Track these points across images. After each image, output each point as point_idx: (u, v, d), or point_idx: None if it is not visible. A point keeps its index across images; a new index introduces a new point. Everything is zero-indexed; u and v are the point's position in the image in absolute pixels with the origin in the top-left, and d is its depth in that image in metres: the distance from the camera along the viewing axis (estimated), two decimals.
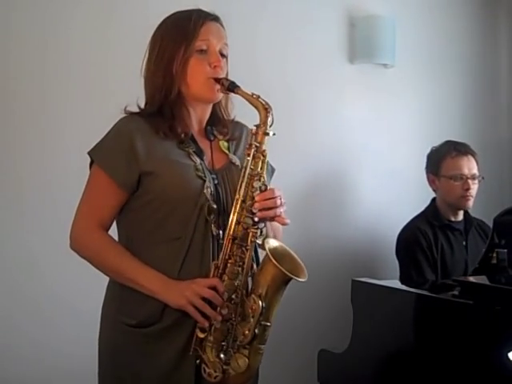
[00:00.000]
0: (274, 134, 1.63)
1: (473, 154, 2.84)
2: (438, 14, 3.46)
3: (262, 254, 1.66)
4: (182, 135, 1.68)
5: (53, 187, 2.50)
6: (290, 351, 3.01)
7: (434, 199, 2.93)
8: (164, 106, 1.68)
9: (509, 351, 1.89)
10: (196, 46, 1.66)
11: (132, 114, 1.70)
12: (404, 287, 2.37)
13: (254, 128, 1.64)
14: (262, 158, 1.63)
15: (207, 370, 1.60)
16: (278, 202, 1.62)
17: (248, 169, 1.62)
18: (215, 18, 1.71)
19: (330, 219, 3.15)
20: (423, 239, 2.77)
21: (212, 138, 1.76)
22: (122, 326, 1.65)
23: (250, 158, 1.62)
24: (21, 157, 2.48)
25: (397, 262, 2.91)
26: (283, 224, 1.66)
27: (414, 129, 3.39)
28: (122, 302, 1.67)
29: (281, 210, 1.63)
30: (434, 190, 2.92)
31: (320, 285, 3.08)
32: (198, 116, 1.74)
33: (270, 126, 1.63)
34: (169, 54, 1.67)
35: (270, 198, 1.61)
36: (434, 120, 3.44)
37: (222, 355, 1.59)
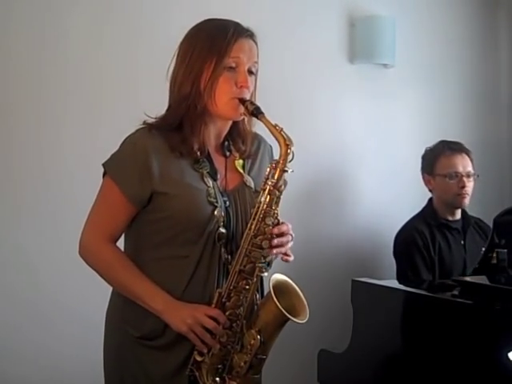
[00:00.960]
0: (292, 171, 1.61)
1: (467, 152, 2.83)
2: (438, 14, 3.46)
3: (265, 283, 1.68)
4: (198, 153, 1.66)
5: (50, 189, 2.50)
6: (290, 351, 3.01)
7: (430, 199, 2.92)
8: (185, 117, 1.65)
9: (509, 351, 1.88)
10: (226, 63, 1.63)
11: (150, 127, 1.67)
12: (404, 287, 2.37)
13: (273, 163, 1.62)
14: (277, 193, 1.61)
15: None
16: (290, 238, 1.64)
17: (262, 204, 1.60)
18: (250, 35, 1.67)
19: (329, 219, 3.15)
20: (420, 239, 2.77)
21: (228, 155, 1.74)
22: (125, 334, 1.66)
23: (265, 194, 1.61)
24: (19, 158, 2.48)
25: None
26: (286, 261, 1.66)
27: (413, 129, 3.39)
28: (125, 311, 1.68)
29: (288, 247, 1.64)
30: (430, 190, 2.91)
31: (320, 285, 3.08)
32: (217, 130, 1.72)
33: (290, 162, 1.61)
34: (198, 66, 1.63)
35: (284, 234, 1.62)
36: (434, 120, 3.44)
37: (217, 378, 1.60)
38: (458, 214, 2.88)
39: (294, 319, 1.59)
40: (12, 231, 2.46)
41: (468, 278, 2.38)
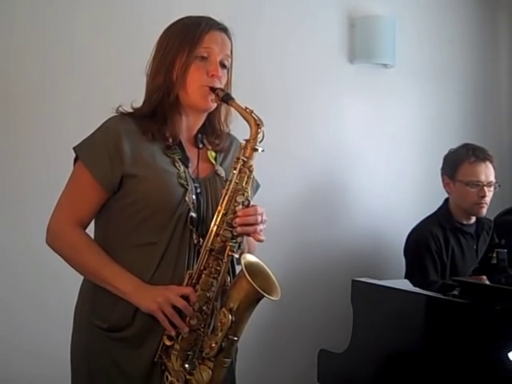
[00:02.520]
0: (262, 151, 1.63)
1: (491, 160, 2.79)
2: (438, 14, 3.47)
3: (238, 268, 1.67)
4: (170, 140, 1.68)
5: (53, 182, 2.49)
6: (290, 351, 3.01)
7: (446, 200, 2.89)
8: (159, 107, 1.68)
9: (509, 351, 1.88)
10: (197, 52, 1.66)
11: (123, 114, 1.70)
12: (404, 287, 2.37)
13: (244, 142, 1.64)
14: (248, 173, 1.63)
15: (170, 379, 1.59)
16: (259, 219, 1.62)
17: (233, 182, 1.62)
18: (222, 29, 1.71)
19: (329, 220, 3.15)
20: (433, 243, 2.75)
21: (201, 146, 1.76)
22: (94, 329, 1.65)
23: (236, 172, 1.62)
24: (23, 154, 2.49)
25: (397, 262, 2.91)
26: (258, 241, 1.65)
27: (414, 129, 3.39)
28: (94, 304, 1.67)
29: (260, 228, 1.63)
30: (448, 192, 2.88)
31: (320, 285, 3.08)
32: (189, 123, 1.74)
33: (260, 142, 1.63)
34: (171, 57, 1.67)
35: (251, 215, 1.61)
36: (434, 120, 3.44)
37: (186, 365, 1.59)
38: (473, 218, 2.86)
39: (267, 295, 1.57)
40: (17, 221, 2.46)
41: (468, 278, 2.38)
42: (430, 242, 2.75)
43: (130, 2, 2.66)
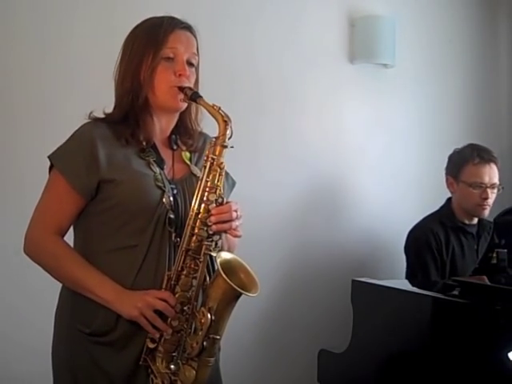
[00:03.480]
0: (231, 147, 1.62)
1: (495, 162, 2.78)
2: (438, 14, 3.47)
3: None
4: (144, 143, 1.68)
5: None
6: (290, 351, 3.01)
7: (449, 199, 2.89)
8: (130, 111, 1.68)
9: (509, 351, 1.89)
10: (163, 53, 1.66)
11: (96, 119, 1.70)
12: (404, 287, 2.37)
13: (213, 140, 1.63)
14: (218, 170, 1.62)
15: (155, 381, 1.59)
16: (234, 215, 1.61)
17: (203, 181, 1.61)
18: (186, 27, 1.71)
19: (329, 221, 3.15)
20: (434, 240, 2.75)
21: (175, 148, 1.76)
22: (75, 332, 1.64)
23: (206, 171, 1.62)
24: (23, 154, 2.49)
25: (397, 262, 2.91)
26: (235, 236, 1.65)
27: (413, 129, 3.39)
28: (75, 308, 1.66)
29: (236, 224, 1.62)
30: (451, 192, 2.87)
31: (320, 285, 3.08)
32: (162, 125, 1.74)
33: (229, 139, 1.62)
34: (137, 60, 1.67)
35: (226, 212, 1.60)
36: (434, 120, 3.44)
37: (171, 366, 1.59)
38: (475, 219, 2.85)
39: (244, 292, 1.56)
40: (17, 221, 2.44)
41: (468, 278, 2.38)
42: (430, 240, 2.75)
43: (131, 1, 2.66)
